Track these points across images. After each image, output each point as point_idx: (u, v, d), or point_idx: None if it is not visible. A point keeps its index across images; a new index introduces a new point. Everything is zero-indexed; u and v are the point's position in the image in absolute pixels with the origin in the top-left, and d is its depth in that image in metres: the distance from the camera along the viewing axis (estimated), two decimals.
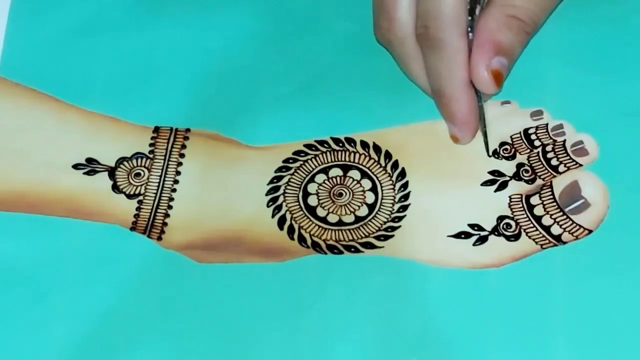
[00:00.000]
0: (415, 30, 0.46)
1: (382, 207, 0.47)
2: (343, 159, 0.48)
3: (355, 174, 0.48)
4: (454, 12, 0.44)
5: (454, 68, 0.45)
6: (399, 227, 0.46)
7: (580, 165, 0.47)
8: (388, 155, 0.48)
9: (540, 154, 0.47)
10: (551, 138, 0.48)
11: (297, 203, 0.47)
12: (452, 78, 0.45)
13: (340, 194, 0.47)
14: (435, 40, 0.45)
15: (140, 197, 0.47)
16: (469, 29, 0.45)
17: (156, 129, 0.49)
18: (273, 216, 0.47)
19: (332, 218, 0.47)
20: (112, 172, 0.48)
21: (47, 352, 0.44)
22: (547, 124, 0.48)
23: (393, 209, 0.47)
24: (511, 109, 0.49)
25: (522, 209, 0.46)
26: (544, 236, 0.45)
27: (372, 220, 0.46)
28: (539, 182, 0.47)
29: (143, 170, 0.48)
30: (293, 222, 0.47)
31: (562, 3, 0.49)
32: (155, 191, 0.47)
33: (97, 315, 0.45)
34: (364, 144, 0.48)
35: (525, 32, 0.46)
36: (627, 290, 0.44)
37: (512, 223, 0.46)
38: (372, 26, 0.48)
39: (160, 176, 0.48)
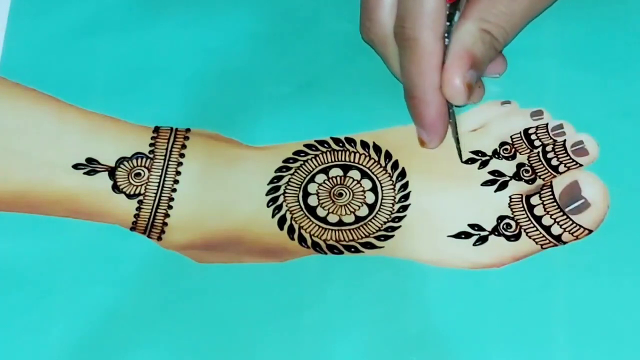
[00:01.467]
0: (393, 30, 0.46)
1: (382, 207, 0.47)
2: (343, 159, 0.48)
3: (355, 174, 0.48)
4: (430, 14, 0.44)
5: (426, 70, 0.45)
6: (399, 227, 0.46)
7: (580, 165, 0.47)
8: (388, 155, 0.48)
9: (541, 154, 0.47)
10: (551, 138, 0.48)
11: (297, 203, 0.47)
12: (423, 79, 0.45)
13: (341, 194, 0.47)
14: (409, 40, 0.44)
15: (140, 197, 0.47)
16: (446, 35, 0.45)
17: (156, 129, 0.49)
18: (273, 216, 0.47)
19: (332, 218, 0.47)
20: (112, 172, 0.48)
21: (47, 352, 0.44)
22: (547, 124, 0.48)
23: (393, 209, 0.47)
24: (511, 108, 0.49)
25: (522, 209, 0.46)
26: (544, 236, 0.45)
27: (372, 220, 0.46)
28: (539, 182, 0.47)
29: (143, 170, 0.48)
30: (293, 222, 0.47)
31: (562, 3, 0.49)
32: (155, 191, 0.47)
33: (97, 315, 0.45)
34: (364, 144, 0.48)
35: (495, 49, 0.46)
36: (627, 290, 0.44)
37: (512, 223, 0.46)
38: None
39: (160, 176, 0.48)
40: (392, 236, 0.46)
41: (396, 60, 0.46)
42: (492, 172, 0.47)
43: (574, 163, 0.47)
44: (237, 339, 0.44)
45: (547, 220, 0.46)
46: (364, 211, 0.47)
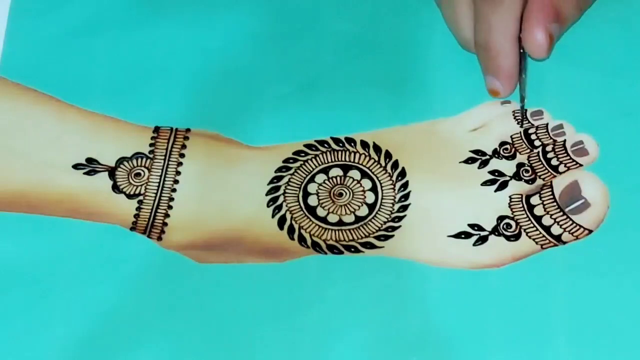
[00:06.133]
0: None
1: (382, 207, 0.47)
2: (343, 159, 0.48)
3: (355, 173, 0.48)
4: None
5: (508, 22, 0.45)
6: (399, 227, 0.46)
7: (580, 165, 0.47)
8: (388, 155, 0.48)
9: (541, 154, 0.47)
10: (551, 138, 0.48)
11: (297, 203, 0.47)
12: (504, 31, 0.45)
13: (341, 194, 0.47)
14: None
15: (141, 197, 0.47)
16: None
17: (156, 129, 0.49)
18: (273, 216, 0.47)
19: (332, 218, 0.47)
20: (112, 172, 0.48)
21: (48, 352, 0.44)
22: (547, 124, 0.48)
23: (393, 209, 0.47)
24: (511, 108, 0.49)
25: (522, 209, 0.46)
26: (544, 236, 0.45)
27: (372, 220, 0.46)
28: (539, 182, 0.47)
29: (143, 170, 0.48)
30: (293, 222, 0.47)
31: None
32: (155, 191, 0.47)
33: (98, 315, 0.45)
34: (364, 144, 0.48)
35: (580, 9, 0.46)
36: (627, 290, 0.44)
37: (512, 223, 0.46)
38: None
39: (160, 176, 0.48)
40: (392, 236, 0.46)
41: (465, 11, 0.47)
42: (492, 172, 0.47)
43: (574, 163, 0.47)
44: (237, 339, 0.44)
45: (547, 220, 0.46)
46: (364, 211, 0.47)
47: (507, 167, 0.47)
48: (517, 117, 0.48)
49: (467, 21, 0.47)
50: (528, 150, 0.47)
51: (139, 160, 0.48)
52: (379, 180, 0.47)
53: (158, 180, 0.48)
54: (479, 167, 0.47)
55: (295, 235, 0.46)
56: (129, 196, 0.47)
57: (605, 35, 0.49)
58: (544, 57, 0.46)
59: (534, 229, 0.45)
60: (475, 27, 0.46)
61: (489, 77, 0.47)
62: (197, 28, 0.51)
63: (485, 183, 0.47)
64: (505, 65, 0.46)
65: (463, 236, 0.46)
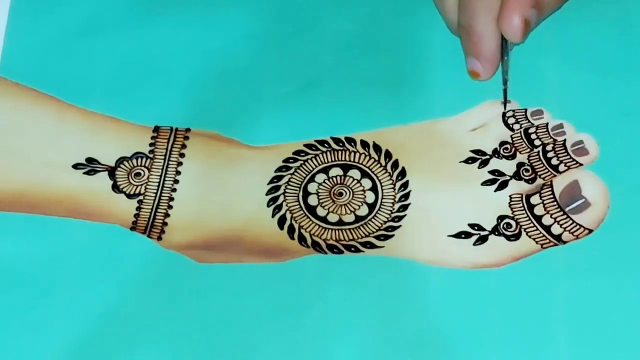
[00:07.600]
0: None
1: (382, 206, 0.47)
2: (343, 159, 0.48)
3: (355, 173, 0.48)
4: None
5: (491, 5, 0.45)
6: (399, 226, 0.46)
7: (581, 164, 0.47)
8: (388, 155, 0.48)
9: (541, 154, 0.47)
10: (551, 137, 0.48)
11: (297, 203, 0.47)
12: (486, 15, 0.45)
13: (341, 194, 0.47)
14: None
15: (140, 197, 0.47)
16: None
17: (156, 129, 0.49)
18: (273, 216, 0.47)
19: (332, 217, 0.47)
20: (112, 171, 0.48)
21: (48, 352, 0.44)
22: (547, 124, 0.48)
23: (393, 209, 0.47)
24: (511, 108, 0.49)
25: (522, 208, 0.46)
26: (544, 236, 0.45)
27: (372, 220, 0.46)
28: (539, 181, 0.47)
29: (143, 170, 0.48)
30: (293, 221, 0.47)
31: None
32: (155, 191, 0.47)
33: (98, 315, 0.45)
34: (364, 144, 0.48)
35: None
36: (627, 290, 0.44)
37: (513, 223, 0.46)
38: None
39: (160, 176, 0.48)
40: (392, 236, 0.46)
41: None
42: (492, 172, 0.47)
43: (574, 162, 0.47)
44: (237, 339, 0.44)
45: (547, 220, 0.46)
46: (364, 210, 0.47)
47: (507, 166, 0.47)
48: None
49: (453, 4, 0.47)
50: (528, 150, 0.47)
51: (139, 160, 0.48)
52: (379, 180, 0.47)
53: (158, 180, 0.48)
54: (479, 167, 0.47)
55: (295, 235, 0.46)
56: (129, 196, 0.47)
57: (605, 35, 0.49)
58: (518, 41, 0.45)
59: (534, 228, 0.45)
60: (459, 9, 0.46)
61: (470, 59, 0.47)
62: (196, 28, 0.51)
63: (485, 183, 0.47)
64: (487, 48, 0.46)
65: (463, 236, 0.46)
